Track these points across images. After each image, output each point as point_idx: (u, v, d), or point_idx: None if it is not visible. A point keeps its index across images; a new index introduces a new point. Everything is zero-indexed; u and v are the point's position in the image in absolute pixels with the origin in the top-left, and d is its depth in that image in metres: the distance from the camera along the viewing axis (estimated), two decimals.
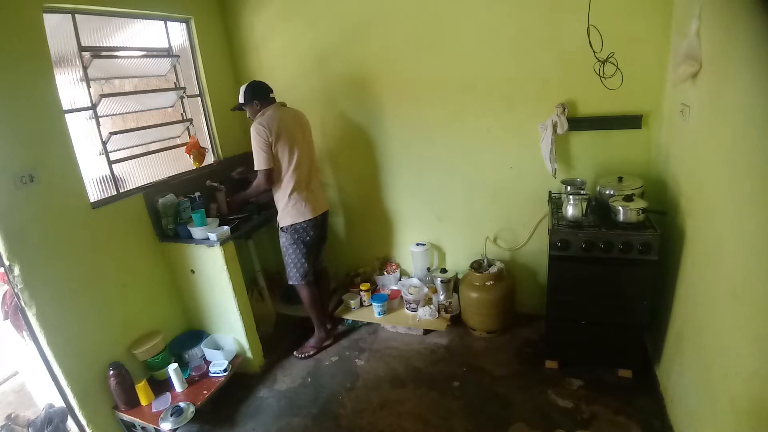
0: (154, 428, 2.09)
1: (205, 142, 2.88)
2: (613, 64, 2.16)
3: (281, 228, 2.49)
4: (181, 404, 2.13)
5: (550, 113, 2.33)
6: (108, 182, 2.23)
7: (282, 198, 2.42)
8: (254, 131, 2.28)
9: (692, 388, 1.70)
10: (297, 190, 2.40)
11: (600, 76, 2.20)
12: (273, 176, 2.37)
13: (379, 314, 2.86)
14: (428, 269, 2.99)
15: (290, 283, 2.60)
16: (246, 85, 2.39)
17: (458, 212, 2.85)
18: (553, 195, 2.42)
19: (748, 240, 1.26)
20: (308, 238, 2.52)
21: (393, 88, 2.72)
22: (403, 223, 3.05)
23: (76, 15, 2.08)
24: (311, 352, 2.71)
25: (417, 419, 2.13)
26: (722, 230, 1.46)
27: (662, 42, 2.09)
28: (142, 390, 2.15)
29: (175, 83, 2.71)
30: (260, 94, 2.38)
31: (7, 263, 1.76)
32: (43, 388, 2.09)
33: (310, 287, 2.61)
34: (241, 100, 2.40)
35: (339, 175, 3.09)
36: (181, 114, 2.77)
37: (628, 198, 2.01)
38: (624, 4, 2.09)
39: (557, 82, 2.33)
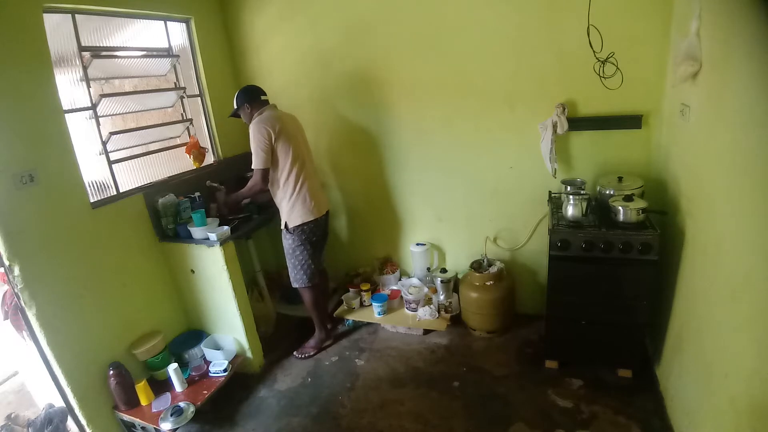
0: (154, 428, 2.08)
1: (205, 142, 2.88)
2: (613, 64, 2.16)
3: (288, 230, 2.46)
4: (181, 404, 2.13)
5: (550, 113, 2.33)
6: (108, 182, 2.23)
7: (285, 198, 2.41)
8: (255, 130, 2.28)
9: (692, 388, 1.70)
10: (302, 190, 2.39)
11: (600, 76, 2.20)
12: (269, 176, 2.37)
13: (379, 314, 2.86)
14: (428, 269, 2.99)
15: (295, 285, 2.59)
16: (238, 90, 2.42)
17: (458, 212, 2.85)
18: (553, 195, 2.42)
19: (748, 240, 1.26)
20: (314, 237, 2.51)
21: (393, 89, 2.72)
22: (403, 223, 3.06)
23: (76, 15, 2.08)
24: (311, 353, 2.71)
25: (417, 419, 2.13)
26: (722, 230, 1.46)
27: (662, 42, 2.09)
28: (142, 390, 2.15)
29: (175, 83, 2.71)
30: (251, 97, 2.39)
31: (7, 263, 1.76)
32: (43, 388, 2.09)
33: (314, 289, 2.61)
34: (234, 105, 2.42)
35: (339, 175, 3.09)
36: (181, 114, 2.77)
37: (628, 198, 2.01)
38: (624, 4, 2.09)
39: (557, 82, 2.33)
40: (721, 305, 1.45)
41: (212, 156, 2.94)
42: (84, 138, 2.13)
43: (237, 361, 2.47)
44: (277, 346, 2.80)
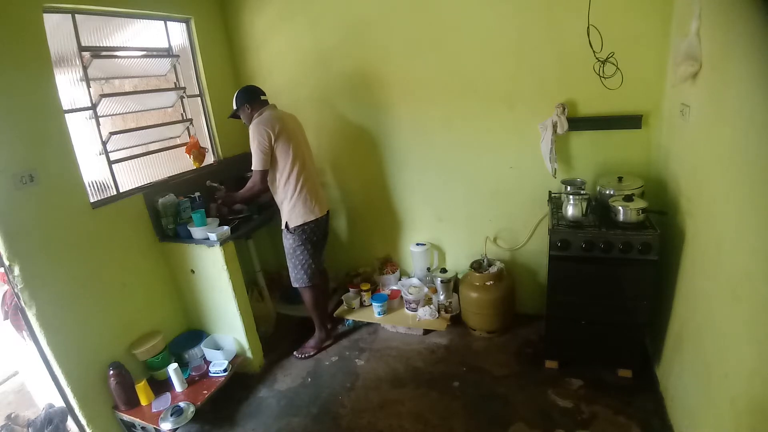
0: (154, 428, 2.09)
1: (205, 142, 2.88)
2: (613, 64, 2.16)
3: (289, 229, 2.45)
4: (181, 404, 2.13)
5: (550, 113, 2.33)
6: (108, 182, 2.23)
7: (287, 198, 2.41)
8: (255, 131, 2.28)
9: (692, 388, 1.70)
10: (302, 190, 2.39)
11: (600, 76, 2.20)
12: (267, 177, 2.37)
13: (379, 314, 2.86)
14: (428, 269, 2.99)
15: (296, 285, 2.59)
16: (237, 91, 2.41)
17: (458, 212, 2.85)
18: (553, 195, 2.42)
19: (748, 240, 1.26)
20: (315, 237, 2.51)
21: (393, 89, 2.72)
22: (403, 223, 3.05)
23: (76, 15, 2.08)
24: (311, 353, 2.71)
25: (417, 419, 2.13)
26: (722, 230, 1.46)
27: (662, 42, 2.09)
28: (142, 390, 2.15)
29: (175, 83, 2.71)
30: (250, 97, 2.38)
31: (7, 263, 1.76)
32: (43, 388, 2.09)
33: (314, 289, 2.61)
34: (234, 106, 2.41)
35: (339, 175, 3.09)
36: (181, 114, 2.77)
37: (628, 198, 2.01)
38: (624, 4, 2.09)
39: (557, 81, 2.33)
40: (721, 305, 1.45)
41: (212, 156, 2.94)
42: (84, 138, 2.13)
43: (237, 361, 2.47)
44: (277, 346, 2.80)
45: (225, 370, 2.35)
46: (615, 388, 2.15)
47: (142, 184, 2.40)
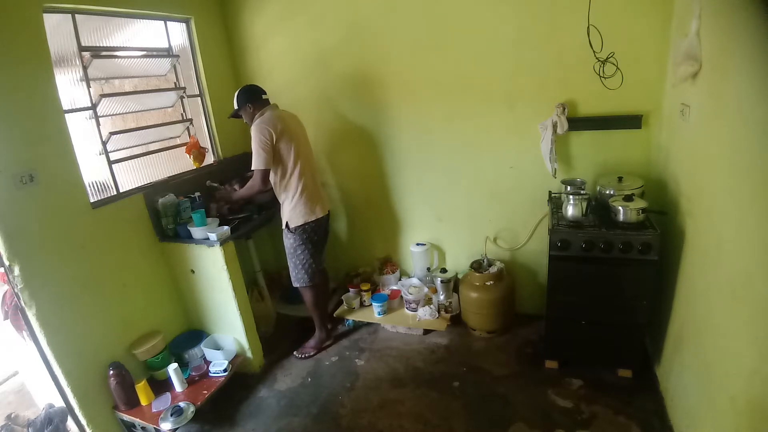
0: (154, 428, 2.09)
1: (205, 142, 2.88)
2: (613, 64, 2.16)
3: (290, 229, 2.45)
4: (181, 404, 2.13)
5: (550, 113, 2.33)
6: (108, 182, 2.23)
7: (288, 198, 2.41)
8: (257, 131, 2.27)
9: (692, 388, 1.70)
10: (304, 190, 2.39)
11: (600, 76, 2.20)
12: (269, 177, 2.37)
13: (379, 314, 2.86)
14: (428, 269, 2.99)
15: (296, 285, 2.59)
16: (238, 90, 2.40)
17: (458, 212, 2.85)
18: (553, 195, 2.42)
19: (748, 240, 1.26)
20: (316, 237, 2.52)
21: (393, 89, 2.72)
22: (403, 223, 3.06)
23: (76, 15, 2.08)
24: (311, 353, 2.71)
25: (417, 419, 2.13)
26: (722, 230, 1.46)
27: (662, 42, 2.09)
28: (142, 390, 2.15)
29: (175, 83, 2.71)
30: (252, 97, 2.38)
31: (7, 263, 1.76)
32: (43, 388, 2.09)
33: (315, 288, 2.61)
34: (235, 106, 2.40)
35: (339, 175, 3.09)
36: (181, 114, 2.77)
37: (628, 198, 2.01)
38: (624, 4, 2.09)
39: (557, 81, 2.33)
40: (721, 305, 1.45)
41: (212, 156, 2.94)
42: (84, 138, 2.13)
43: (237, 361, 2.47)
44: (277, 346, 2.80)
45: (225, 370, 2.35)
46: (615, 388, 2.15)
47: (142, 184, 2.40)
